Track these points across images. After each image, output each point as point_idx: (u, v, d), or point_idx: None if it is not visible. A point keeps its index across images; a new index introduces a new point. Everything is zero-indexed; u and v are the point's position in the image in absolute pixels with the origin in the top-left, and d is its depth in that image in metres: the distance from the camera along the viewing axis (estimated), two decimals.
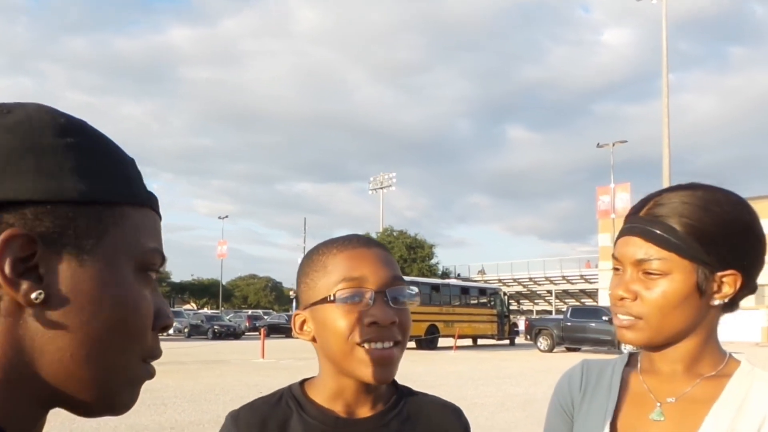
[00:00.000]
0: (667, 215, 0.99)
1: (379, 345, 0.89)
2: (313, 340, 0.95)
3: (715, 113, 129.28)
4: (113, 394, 0.51)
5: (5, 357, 0.47)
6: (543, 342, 24.41)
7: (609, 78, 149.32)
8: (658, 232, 0.99)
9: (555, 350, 23.95)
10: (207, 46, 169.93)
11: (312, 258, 0.96)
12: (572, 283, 57.86)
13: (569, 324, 23.65)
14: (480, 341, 29.53)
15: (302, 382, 1.00)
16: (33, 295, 0.46)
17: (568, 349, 24.08)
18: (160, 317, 0.54)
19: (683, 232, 0.97)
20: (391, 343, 0.90)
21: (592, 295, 52.28)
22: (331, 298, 0.90)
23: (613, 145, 37.75)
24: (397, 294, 0.91)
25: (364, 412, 0.95)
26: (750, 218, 1.01)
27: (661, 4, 33.67)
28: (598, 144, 38.90)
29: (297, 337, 0.97)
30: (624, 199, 36.21)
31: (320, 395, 0.96)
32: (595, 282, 49.94)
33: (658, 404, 1.05)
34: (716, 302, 1.01)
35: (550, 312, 54.35)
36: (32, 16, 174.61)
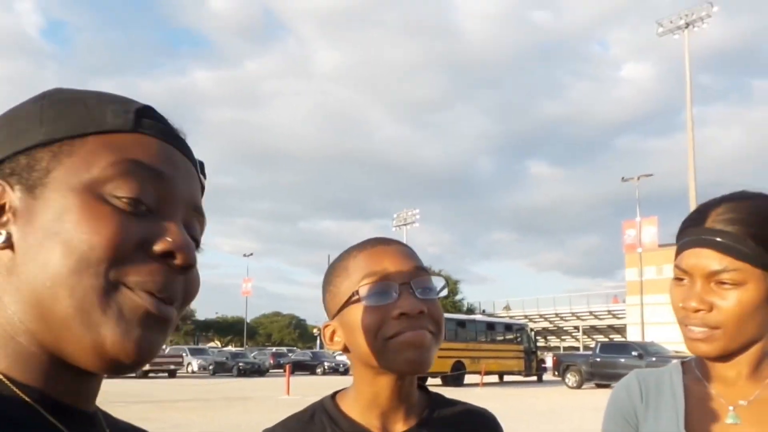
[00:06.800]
0: (735, 225, 1.00)
1: (410, 333, 0.85)
2: (345, 349, 0.92)
3: (740, 146, 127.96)
4: (98, 326, 0.48)
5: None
6: (571, 378, 23.95)
7: (631, 112, 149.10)
8: (731, 243, 1.00)
9: (584, 387, 23.50)
10: (229, 88, 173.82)
11: (334, 266, 0.94)
12: (600, 319, 56.92)
13: (598, 360, 23.21)
14: (507, 378, 29.09)
15: (334, 395, 0.96)
16: None
17: (598, 386, 23.59)
18: (152, 241, 0.50)
19: (753, 242, 0.99)
20: (424, 331, 0.87)
21: (620, 330, 51.36)
22: (356, 296, 0.88)
23: (638, 179, 37.40)
24: (422, 285, 0.88)
25: (399, 426, 0.91)
26: None
27: (683, 38, 33.88)
28: (623, 178, 38.57)
29: (330, 349, 0.96)
30: (651, 233, 35.82)
31: (354, 407, 0.93)
32: (623, 317, 49.11)
33: (731, 408, 1.05)
34: None
35: (577, 348, 53.39)
36: (59, 62, 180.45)
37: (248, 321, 73.06)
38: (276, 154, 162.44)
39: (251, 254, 69.10)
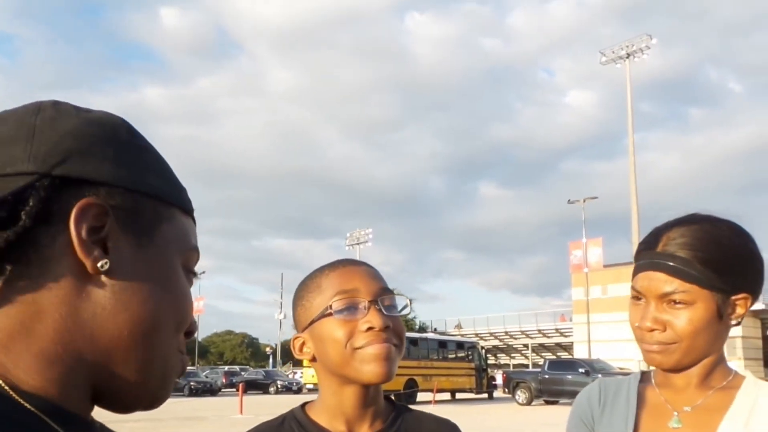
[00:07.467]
0: (684, 250, 1.08)
1: (377, 345, 0.94)
2: (313, 359, 1.00)
3: (679, 170, 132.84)
4: (160, 379, 0.53)
5: (66, 329, 0.48)
6: (521, 395, 24.39)
7: (576, 137, 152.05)
8: (680, 266, 1.08)
9: (533, 403, 23.99)
10: (182, 104, 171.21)
11: (306, 283, 1.02)
12: (548, 337, 57.92)
13: (547, 377, 23.72)
14: (458, 395, 29.47)
15: (303, 405, 1.03)
16: (100, 263, 0.49)
17: (547, 402, 24.16)
18: (190, 320, 0.57)
19: (701, 265, 1.07)
20: (389, 344, 0.95)
21: (568, 348, 52.40)
22: (328, 311, 0.96)
23: (584, 201, 38.40)
24: (387, 302, 0.98)
25: (364, 430, 0.98)
26: (753, 246, 1.12)
27: (624, 67, 35.48)
28: (569, 200, 39.56)
29: (299, 358, 1.04)
30: (596, 254, 36.81)
31: (321, 415, 0.99)
32: (570, 335, 50.16)
33: (675, 413, 1.14)
34: (733, 323, 1.12)
35: (526, 365, 54.20)
36: (8, 75, 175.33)
37: (200, 340, 71.85)
38: (229, 171, 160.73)
39: (203, 272, 68.15)
